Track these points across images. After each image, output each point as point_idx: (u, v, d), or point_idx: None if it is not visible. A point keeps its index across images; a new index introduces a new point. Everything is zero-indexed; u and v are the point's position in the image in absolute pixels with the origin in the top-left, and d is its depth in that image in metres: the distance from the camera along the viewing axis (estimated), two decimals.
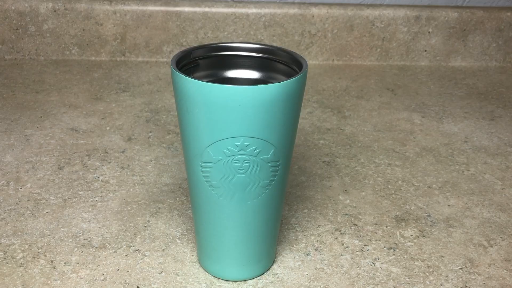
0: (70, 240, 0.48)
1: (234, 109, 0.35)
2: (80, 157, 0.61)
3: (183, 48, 0.40)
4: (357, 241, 0.49)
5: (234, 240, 0.42)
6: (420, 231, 0.51)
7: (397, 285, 0.45)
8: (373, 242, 0.49)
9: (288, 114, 0.37)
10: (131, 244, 0.48)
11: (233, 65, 0.44)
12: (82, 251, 0.47)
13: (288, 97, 0.36)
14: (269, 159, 0.38)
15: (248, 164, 0.38)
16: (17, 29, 0.82)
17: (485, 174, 0.61)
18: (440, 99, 0.78)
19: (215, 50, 0.44)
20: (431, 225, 0.52)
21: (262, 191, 0.39)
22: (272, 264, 0.46)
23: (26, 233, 0.49)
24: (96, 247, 0.48)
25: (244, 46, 0.44)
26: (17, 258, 0.46)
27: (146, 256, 0.47)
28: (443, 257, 0.48)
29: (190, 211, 0.53)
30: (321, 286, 0.44)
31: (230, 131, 0.36)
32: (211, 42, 0.41)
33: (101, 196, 0.54)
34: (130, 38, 0.83)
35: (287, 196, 0.55)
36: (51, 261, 0.46)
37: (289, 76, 0.40)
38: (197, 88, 0.35)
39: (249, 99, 0.35)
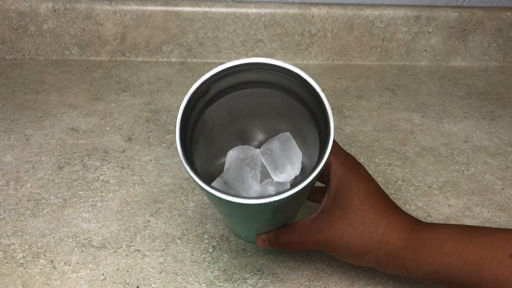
0: (70, 240, 0.48)
1: (240, 212, 0.37)
2: (80, 157, 0.61)
3: (187, 93, 0.37)
4: None
5: None
6: None
7: (397, 285, 0.45)
8: None
9: (291, 208, 0.39)
10: (131, 244, 0.48)
11: (247, 83, 0.41)
12: (82, 251, 0.47)
13: (292, 199, 0.36)
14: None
15: None
16: (17, 29, 0.82)
17: (485, 174, 0.61)
18: (440, 99, 0.78)
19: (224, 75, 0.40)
20: None
21: None
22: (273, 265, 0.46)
23: (26, 233, 0.49)
24: (96, 247, 0.48)
25: (260, 78, 0.41)
26: (17, 258, 0.46)
27: (146, 256, 0.47)
28: None
29: (190, 211, 0.53)
30: (321, 286, 0.44)
31: (239, 222, 0.40)
32: (215, 70, 0.38)
33: (101, 196, 0.54)
34: (130, 38, 0.83)
35: None
36: (51, 261, 0.46)
37: (306, 106, 0.39)
38: (206, 193, 0.36)
39: (254, 210, 0.36)
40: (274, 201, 0.33)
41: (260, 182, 0.43)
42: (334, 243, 0.40)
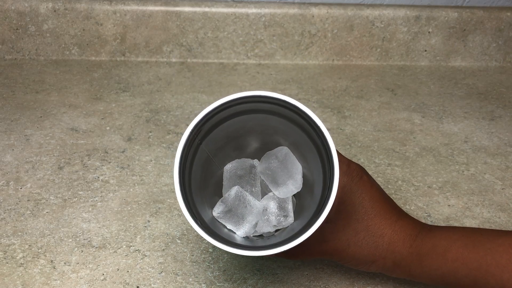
0: (70, 240, 0.48)
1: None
2: (80, 157, 0.61)
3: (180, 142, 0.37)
4: None
5: None
6: None
7: (397, 285, 0.45)
8: None
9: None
10: (131, 244, 0.48)
11: (240, 113, 0.41)
12: (82, 251, 0.47)
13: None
14: None
15: None
16: (17, 29, 0.82)
17: (485, 174, 0.61)
18: (440, 99, 0.78)
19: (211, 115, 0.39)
20: None
21: None
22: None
23: (26, 233, 0.49)
24: (96, 247, 0.48)
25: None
26: (17, 258, 0.46)
27: (146, 256, 0.47)
28: None
29: None
30: (321, 286, 0.45)
31: None
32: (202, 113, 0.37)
33: (101, 196, 0.55)
34: (130, 38, 0.83)
35: None
36: (51, 261, 0.46)
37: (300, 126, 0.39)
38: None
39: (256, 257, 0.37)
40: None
41: (261, 193, 0.43)
42: (340, 253, 0.40)
